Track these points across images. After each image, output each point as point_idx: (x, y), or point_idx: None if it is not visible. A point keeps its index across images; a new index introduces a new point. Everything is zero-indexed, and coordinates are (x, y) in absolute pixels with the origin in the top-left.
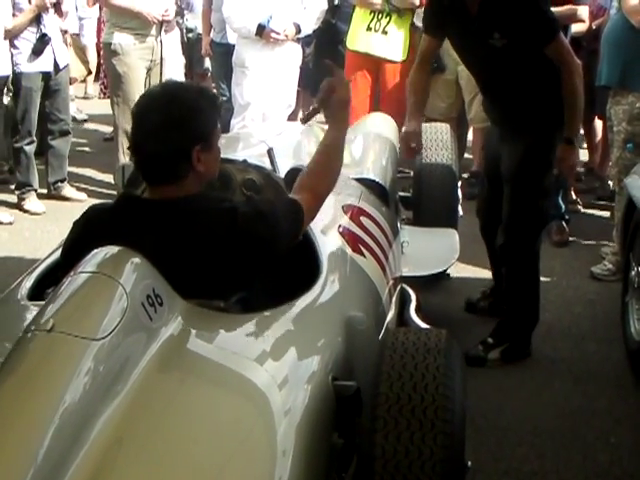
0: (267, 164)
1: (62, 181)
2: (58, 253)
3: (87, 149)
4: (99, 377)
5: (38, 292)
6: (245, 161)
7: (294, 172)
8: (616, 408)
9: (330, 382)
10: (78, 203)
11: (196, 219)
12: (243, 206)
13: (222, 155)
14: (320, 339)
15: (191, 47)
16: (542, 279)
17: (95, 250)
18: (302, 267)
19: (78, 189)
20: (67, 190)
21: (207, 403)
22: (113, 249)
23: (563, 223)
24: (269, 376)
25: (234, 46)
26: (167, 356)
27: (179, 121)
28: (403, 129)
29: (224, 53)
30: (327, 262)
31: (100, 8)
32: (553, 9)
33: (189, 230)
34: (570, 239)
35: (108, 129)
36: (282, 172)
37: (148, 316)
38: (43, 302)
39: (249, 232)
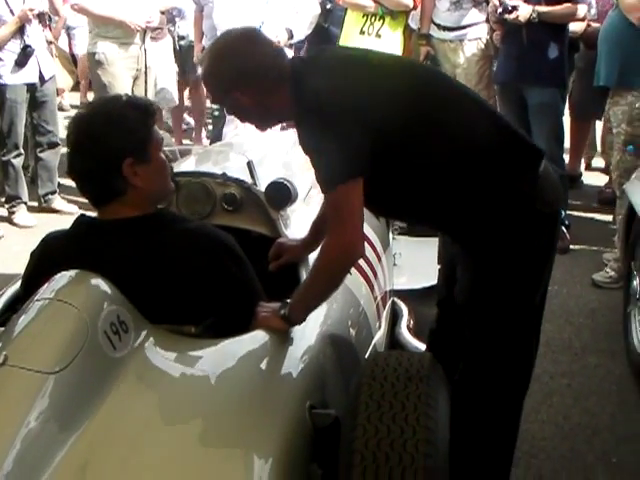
0: (248, 177)
1: (52, 193)
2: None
3: None
4: (58, 410)
5: (8, 318)
6: (224, 174)
7: (275, 186)
8: (618, 426)
9: (307, 410)
10: (69, 215)
11: (157, 239)
12: (205, 227)
13: (201, 169)
14: (299, 363)
15: (184, 54)
16: None
17: (55, 275)
18: (284, 285)
19: (69, 201)
20: (58, 202)
21: (176, 434)
22: (74, 273)
23: (563, 229)
24: (242, 402)
25: None
26: (134, 383)
27: (100, 135)
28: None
29: None
30: None
31: None
32: (552, 7)
33: (151, 250)
34: (571, 246)
35: None
36: (263, 185)
37: (112, 345)
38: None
39: (212, 254)
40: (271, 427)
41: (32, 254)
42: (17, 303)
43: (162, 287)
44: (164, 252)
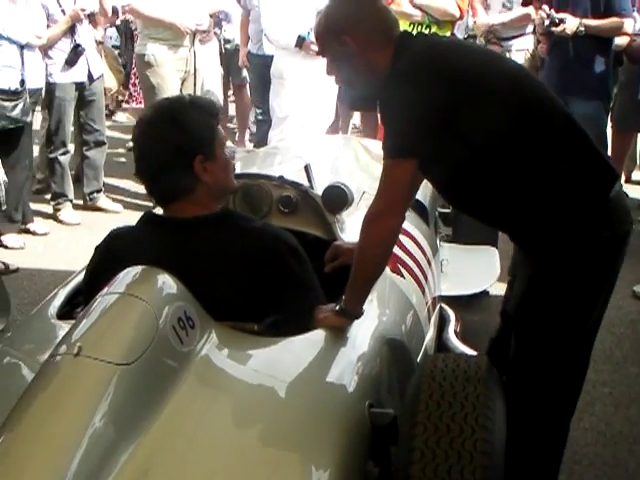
0: (304, 180)
1: (98, 192)
2: None
3: (123, 159)
4: (127, 403)
5: (69, 310)
6: (282, 177)
7: (332, 189)
8: None
9: (366, 409)
10: (114, 214)
11: (223, 237)
12: (269, 227)
13: (258, 171)
14: (357, 363)
15: (229, 58)
16: None
17: (124, 270)
18: (339, 288)
19: (114, 200)
20: (103, 201)
21: (240, 430)
22: (142, 269)
23: None
24: (304, 401)
25: (271, 57)
26: (198, 381)
27: (172, 136)
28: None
29: (260, 64)
30: None
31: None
32: (599, 21)
33: (217, 248)
34: None
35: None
36: (319, 189)
37: (179, 339)
38: (72, 321)
39: (277, 253)
40: (331, 425)
41: (97, 248)
42: (77, 297)
43: (227, 284)
44: (230, 250)
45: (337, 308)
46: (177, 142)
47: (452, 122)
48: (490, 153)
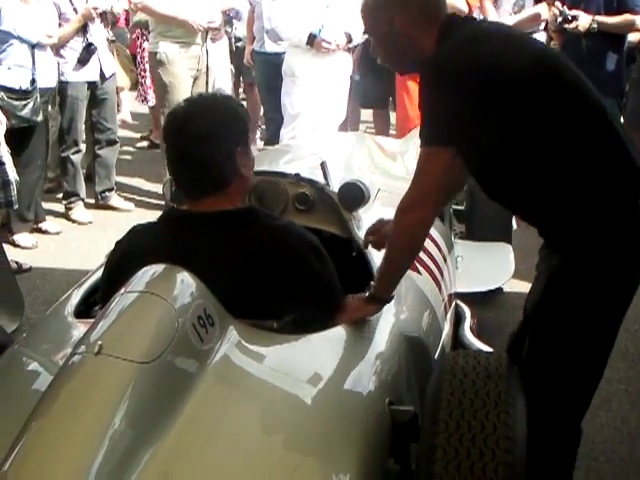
0: (320, 177)
1: (110, 190)
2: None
3: (131, 157)
4: (148, 402)
5: (85, 309)
6: (298, 175)
7: (348, 187)
8: None
9: (387, 406)
10: (126, 213)
11: (248, 234)
12: (293, 225)
13: (274, 168)
14: (376, 361)
15: (239, 56)
16: None
17: (144, 268)
18: (356, 285)
19: (126, 199)
20: (115, 200)
21: (260, 428)
22: (162, 267)
23: None
24: (324, 398)
25: (273, 55)
26: (219, 379)
27: (225, 123)
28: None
29: (262, 62)
30: None
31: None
32: (611, 18)
33: (241, 246)
34: None
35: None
36: (335, 186)
37: (199, 337)
38: (90, 320)
39: (300, 252)
40: (352, 423)
41: (118, 243)
42: (93, 295)
43: (247, 281)
44: (253, 247)
45: (367, 295)
46: (230, 128)
47: (490, 111)
48: (527, 143)
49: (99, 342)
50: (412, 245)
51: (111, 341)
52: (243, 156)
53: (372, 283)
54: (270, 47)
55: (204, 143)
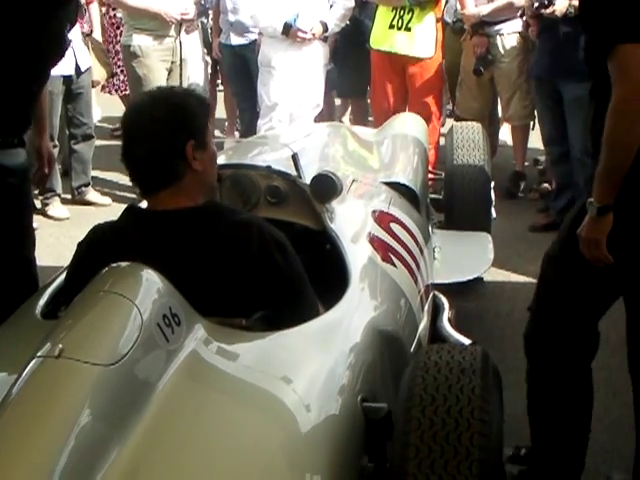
0: (292, 169)
1: (86, 186)
2: None
3: (107, 152)
4: (112, 404)
5: (52, 309)
6: (269, 167)
7: (320, 178)
8: None
9: (359, 403)
10: (103, 208)
11: (209, 231)
12: (257, 219)
13: (245, 161)
14: (349, 356)
15: None
16: None
17: (106, 268)
18: (329, 278)
19: (102, 193)
20: (91, 195)
21: (229, 427)
22: (125, 266)
23: None
24: (295, 396)
25: (238, 46)
26: (186, 378)
27: (167, 118)
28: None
29: (229, 54)
30: (356, 273)
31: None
32: None
33: (203, 242)
34: None
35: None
36: (307, 178)
37: (164, 337)
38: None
39: (263, 247)
40: (324, 419)
41: (80, 244)
42: (61, 295)
43: (213, 279)
44: (215, 244)
45: (589, 215)
46: (172, 123)
47: None
48: None
49: (60, 345)
50: (633, 143)
51: (72, 344)
52: (197, 151)
53: (590, 200)
54: (235, 40)
55: (144, 139)
